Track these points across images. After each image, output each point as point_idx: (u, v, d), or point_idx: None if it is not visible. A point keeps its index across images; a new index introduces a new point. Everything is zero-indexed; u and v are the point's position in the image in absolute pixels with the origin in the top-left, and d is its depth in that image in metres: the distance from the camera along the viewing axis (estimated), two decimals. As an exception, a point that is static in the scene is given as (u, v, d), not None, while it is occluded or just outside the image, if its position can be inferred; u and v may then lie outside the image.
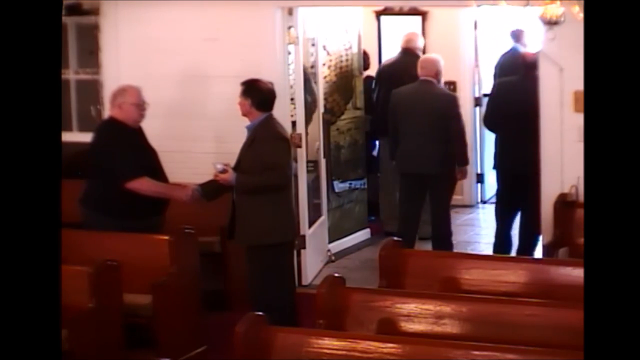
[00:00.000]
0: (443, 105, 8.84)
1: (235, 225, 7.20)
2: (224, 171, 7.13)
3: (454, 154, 8.86)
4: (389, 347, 5.21)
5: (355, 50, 10.14)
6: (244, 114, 7.28)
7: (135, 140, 7.58)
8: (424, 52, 11.22)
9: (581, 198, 7.70)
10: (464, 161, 9.01)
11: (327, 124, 9.66)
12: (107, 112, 8.38)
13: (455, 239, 10.12)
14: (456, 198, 11.35)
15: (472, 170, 11.35)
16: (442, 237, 8.98)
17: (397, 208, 10.32)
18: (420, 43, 10.36)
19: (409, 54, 10.23)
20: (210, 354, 7.44)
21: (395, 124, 9.02)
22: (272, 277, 7.17)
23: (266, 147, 7.07)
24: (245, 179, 7.08)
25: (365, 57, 10.57)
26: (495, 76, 11.03)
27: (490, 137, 11.31)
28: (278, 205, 7.12)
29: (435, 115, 8.79)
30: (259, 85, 7.29)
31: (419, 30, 11.27)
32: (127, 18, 9.02)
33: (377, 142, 10.82)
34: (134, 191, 7.38)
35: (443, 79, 9.20)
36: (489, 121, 9.21)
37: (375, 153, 10.94)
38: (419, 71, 9.00)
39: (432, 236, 9.14)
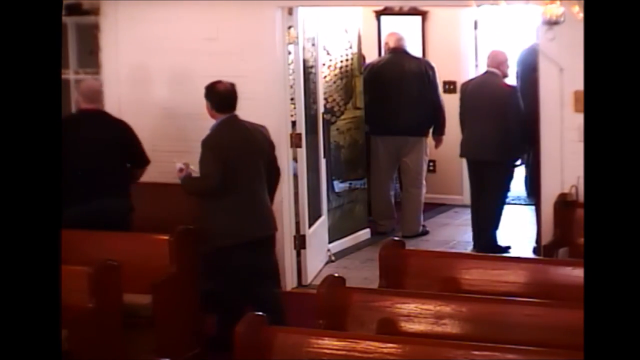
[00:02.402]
0: (501, 95, 9.26)
1: None
2: (180, 170, 7.30)
3: (512, 143, 9.26)
4: (389, 347, 5.21)
5: (355, 50, 10.14)
6: (211, 117, 7.38)
7: None
8: (423, 52, 11.26)
9: (581, 198, 7.70)
10: (522, 149, 9.52)
11: (327, 124, 9.66)
12: (111, 110, 8.41)
13: (455, 239, 10.16)
14: (456, 198, 11.39)
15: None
16: (486, 230, 9.51)
17: (389, 207, 10.37)
18: (406, 42, 10.38)
19: (398, 54, 10.24)
20: (209, 354, 7.44)
21: (462, 113, 9.60)
22: (228, 280, 7.26)
23: (201, 154, 7.20)
24: (184, 181, 7.30)
25: (363, 61, 10.56)
26: (519, 72, 10.91)
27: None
28: (225, 208, 7.18)
29: (495, 105, 9.23)
30: (216, 88, 7.37)
31: (419, 30, 11.29)
32: (127, 18, 9.02)
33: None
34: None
35: (508, 72, 9.65)
36: None
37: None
38: (488, 62, 9.57)
39: (476, 228, 9.66)
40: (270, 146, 7.52)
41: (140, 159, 7.88)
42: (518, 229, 10.27)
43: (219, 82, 7.41)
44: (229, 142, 7.23)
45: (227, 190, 7.15)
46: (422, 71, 10.11)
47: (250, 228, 7.27)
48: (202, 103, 8.87)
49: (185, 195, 7.42)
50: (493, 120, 9.22)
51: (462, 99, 9.69)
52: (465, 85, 9.78)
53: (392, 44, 10.36)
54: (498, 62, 9.48)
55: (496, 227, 9.59)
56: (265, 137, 7.47)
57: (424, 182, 10.39)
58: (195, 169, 7.33)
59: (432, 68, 10.21)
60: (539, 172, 8.18)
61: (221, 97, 7.34)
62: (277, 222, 7.83)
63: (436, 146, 10.47)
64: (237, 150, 7.21)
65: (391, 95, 10.15)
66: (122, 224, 7.64)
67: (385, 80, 10.21)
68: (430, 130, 10.37)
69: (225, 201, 7.18)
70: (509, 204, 10.61)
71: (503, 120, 9.21)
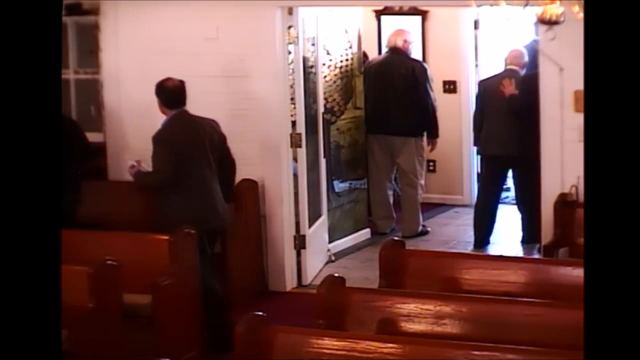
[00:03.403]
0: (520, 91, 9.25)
1: None
2: (132, 166, 7.51)
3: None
4: (389, 347, 5.21)
5: (355, 50, 10.13)
6: (162, 113, 7.53)
7: None
8: (423, 52, 11.25)
9: (581, 198, 7.70)
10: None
11: (327, 124, 9.66)
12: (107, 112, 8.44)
13: (455, 239, 10.15)
14: (456, 198, 11.38)
15: (472, 170, 11.37)
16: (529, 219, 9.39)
17: (388, 207, 10.36)
18: (405, 41, 10.33)
19: (394, 53, 10.23)
20: (210, 354, 7.44)
21: (481, 110, 9.65)
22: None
23: (153, 149, 7.37)
24: (136, 176, 7.51)
25: (365, 58, 10.55)
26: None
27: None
28: (179, 200, 7.33)
29: (515, 101, 9.23)
30: (165, 85, 7.53)
31: (418, 30, 11.26)
32: (127, 18, 9.02)
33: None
34: None
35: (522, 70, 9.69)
36: None
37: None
38: (508, 60, 9.64)
39: (477, 227, 9.75)
40: (222, 138, 7.65)
41: (83, 151, 8.06)
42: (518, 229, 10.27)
43: (168, 79, 7.56)
44: (179, 136, 7.41)
45: (180, 182, 7.31)
46: (408, 73, 10.04)
47: (206, 218, 7.44)
48: (202, 103, 8.92)
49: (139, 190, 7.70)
50: (514, 115, 9.21)
51: (481, 97, 9.73)
52: (483, 83, 9.82)
53: (390, 43, 10.35)
54: (518, 60, 9.50)
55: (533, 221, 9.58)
56: (215, 130, 7.61)
57: (420, 182, 10.33)
58: (146, 166, 7.50)
59: (422, 70, 10.13)
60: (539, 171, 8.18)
61: (170, 93, 7.50)
62: (281, 222, 7.79)
63: (431, 149, 10.46)
64: (187, 143, 7.39)
65: (381, 94, 10.15)
66: (66, 217, 7.69)
67: (376, 79, 10.21)
68: (425, 133, 10.35)
69: (179, 193, 7.34)
70: (509, 203, 10.63)
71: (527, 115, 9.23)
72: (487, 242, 9.70)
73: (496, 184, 9.73)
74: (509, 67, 9.58)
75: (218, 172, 7.54)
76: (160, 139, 7.38)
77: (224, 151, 7.63)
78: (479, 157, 9.97)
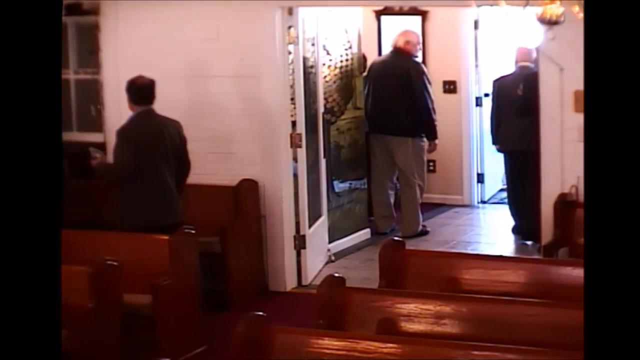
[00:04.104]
0: (529, 86, 9.18)
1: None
2: (94, 158, 7.69)
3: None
4: (389, 347, 5.21)
5: (355, 50, 10.13)
6: (130, 109, 7.62)
7: None
8: (423, 52, 11.24)
9: (581, 198, 7.70)
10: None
11: (327, 124, 9.66)
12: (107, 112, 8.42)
13: (455, 239, 10.15)
14: (456, 198, 11.38)
15: (472, 170, 11.37)
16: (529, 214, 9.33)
17: (388, 206, 10.35)
18: (407, 42, 10.30)
19: (394, 54, 10.22)
20: (210, 354, 7.45)
21: (497, 109, 9.79)
22: None
23: (115, 142, 7.52)
24: (97, 167, 7.66)
25: (364, 60, 10.54)
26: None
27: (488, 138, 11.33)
28: (135, 194, 7.44)
29: (525, 97, 9.25)
30: (135, 82, 7.61)
31: (419, 30, 11.24)
32: (127, 18, 9.03)
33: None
34: None
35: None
36: None
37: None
38: (518, 58, 9.74)
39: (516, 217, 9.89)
40: (182, 140, 7.72)
41: None
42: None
43: (139, 77, 7.63)
44: (142, 133, 7.50)
45: (138, 177, 7.39)
46: (403, 73, 10.02)
47: (158, 214, 7.49)
48: (200, 103, 8.96)
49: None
50: (528, 112, 9.07)
51: (497, 96, 9.82)
52: (499, 81, 9.86)
53: (393, 43, 10.35)
54: (528, 56, 9.54)
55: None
56: (177, 131, 7.69)
57: (418, 182, 10.31)
58: (108, 158, 7.71)
59: (418, 72, 10.09)
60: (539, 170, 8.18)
61: (138, 90, 7.58)
62: (273, 221, 7.76)
63: (429, 151, 10.44)
64: (149, 141, 7.48)
65: (379, 94, 10.16)
66: None
67: (376, 79, 10.23)
68: (424, 135, 10.34)
69: (136, 187, 7.41)
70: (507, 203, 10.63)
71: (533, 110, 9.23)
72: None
73: (518, 177, 9.79)
74: (520, 64, 9.62)
75: (175, 172, 7.64)
76: (123, 133, 7.48)
77: (183, 153, 7.70)
78: (502, 154, 10.06)
